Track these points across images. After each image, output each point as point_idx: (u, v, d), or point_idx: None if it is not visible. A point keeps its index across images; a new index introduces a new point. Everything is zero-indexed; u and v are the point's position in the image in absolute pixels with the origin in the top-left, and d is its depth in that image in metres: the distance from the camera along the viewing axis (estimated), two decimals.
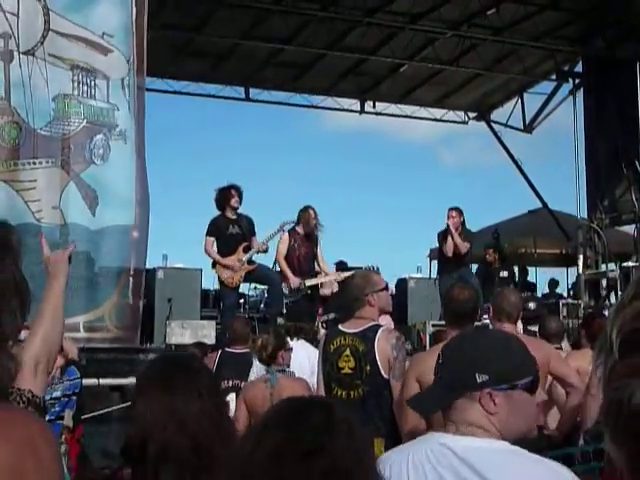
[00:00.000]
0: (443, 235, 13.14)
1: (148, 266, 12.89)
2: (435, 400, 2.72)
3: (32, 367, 3.10)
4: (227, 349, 8.03)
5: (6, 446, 1.56)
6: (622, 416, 1.00)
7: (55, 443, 1.71)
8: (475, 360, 2.61)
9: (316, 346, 7.02)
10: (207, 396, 2.83)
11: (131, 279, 10.89)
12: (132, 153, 10.82)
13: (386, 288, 5.91)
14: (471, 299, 5.39)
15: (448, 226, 12.94)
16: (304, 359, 7.14)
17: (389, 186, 35.92)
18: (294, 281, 11.55)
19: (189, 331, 11.74)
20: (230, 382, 7.57)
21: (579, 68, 19.05)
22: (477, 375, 2.57)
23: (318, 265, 12.08)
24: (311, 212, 11.97)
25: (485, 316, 8.84)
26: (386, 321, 6.26)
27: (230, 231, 11.73)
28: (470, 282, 11.45)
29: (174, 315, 12.14)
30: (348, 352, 5.50)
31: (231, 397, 7.30)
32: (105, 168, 10.69)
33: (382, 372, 5.38)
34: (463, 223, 13.14)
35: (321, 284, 12.15)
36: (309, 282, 11.66)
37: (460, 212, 13.14)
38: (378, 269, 6.05)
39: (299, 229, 11.97)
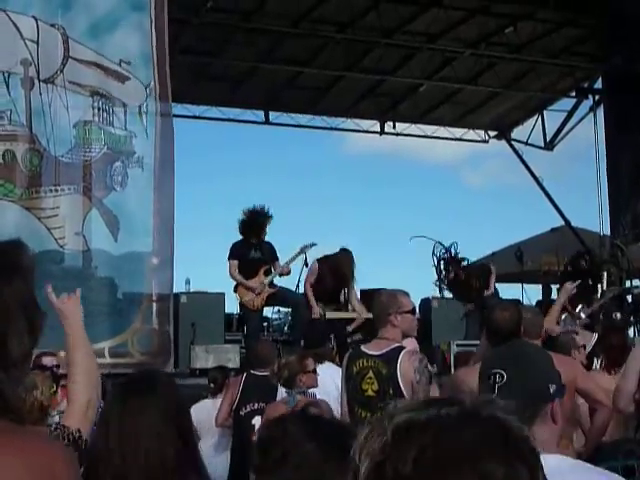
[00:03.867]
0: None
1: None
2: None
3: (84, 405, 3.09)
4: (252, 372, 7.99)
5: (26, 473, 1.55)
6: None
7: (76, 469, 1.70)
8: (543, 371, 2.57)
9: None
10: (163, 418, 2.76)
11: (154, 305, 10.88)
12: (150, 180, 10.83)
13: (413, 311, 5.76)
14: (512, 319, 5.41)
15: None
16: (330, 381, 7.07)
17: (412, 206, 35.81)
18: (315, 311, 11.51)
19: (213, 355, 11.73)
20: (255, 405, 7.54)
21: (599, 84, 18.99)
22: (550, 386, 2.53)
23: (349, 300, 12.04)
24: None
25: None
26: (412, 345, 6.17)
27: (252, 255, 11.76)
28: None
29: (198, 339, 12.12)
30: (371, 374, 5.46)
31: (256, 420, 7.29)
32: (124, 195, 10.72)
33: (405, 395, 5.33)
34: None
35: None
36: (330, 315, 11.60)
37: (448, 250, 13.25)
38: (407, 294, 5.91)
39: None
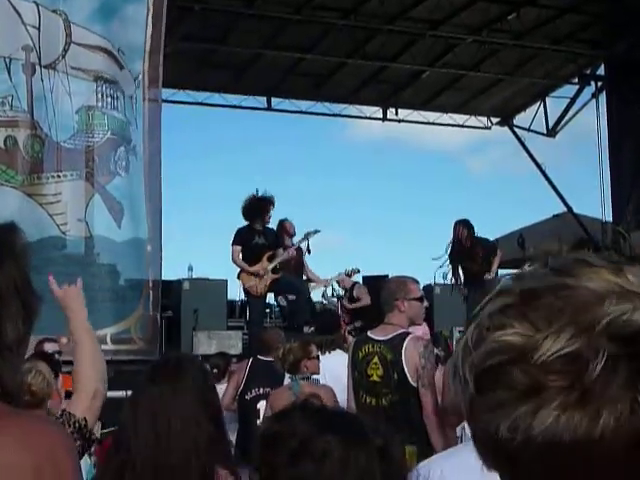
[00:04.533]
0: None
1: (174, 277, 12.95)
2: None
3: (90, 394, 3.08)
4: (259, 357, 8.00)
5: (27, 454, 1.55)
6: (491, 448, 1.02)
7: (75, 454, 1.69)
8: None
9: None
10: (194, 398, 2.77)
11: (150, 292, 10.91)
12: (141, 168, 10.84)
13: (420, 299, 5.75)
14: None
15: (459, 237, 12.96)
16: (342, 369, 7.07)
17: (414, 193, 35.83)
18: (255, 272, 11.63)
19: (215, 341, 11.75)
20: (261, 390, 7.56)
21: (601, 71, 18.95)
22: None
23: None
24: (287, 223, 12.27)
25: None
26: (422, 331, 6.16)
27: (256, 241, 11.75)
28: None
29: (200, 326, 12.14)
30: (376, 360, 5.46)
31: (261, 404, 7.32)
32: (127, 180, 10.72)
33: (410, 380, 5.34)
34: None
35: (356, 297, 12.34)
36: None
37: (469, 225, 13.12)
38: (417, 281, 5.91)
39: None
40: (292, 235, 12.35)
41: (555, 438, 0.95)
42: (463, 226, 13.04)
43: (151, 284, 10.94)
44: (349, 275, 12.19)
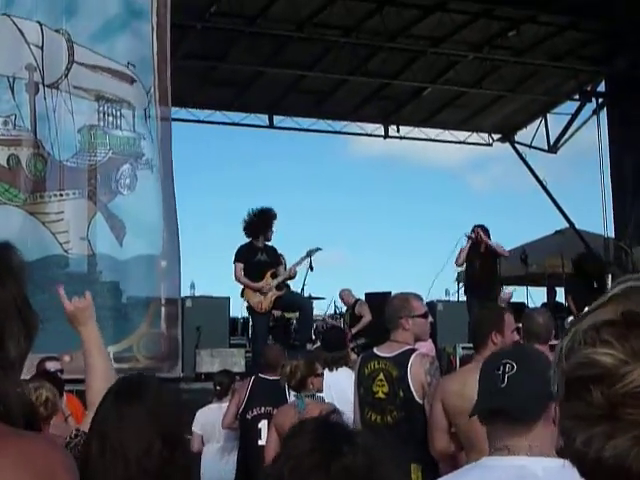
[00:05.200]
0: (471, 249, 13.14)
1: None
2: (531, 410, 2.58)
3: None
4: (260, 375, 7.97)
5: (26, 475, 1.55)
6: (570, 455, 1.07)
7: (75, 473, 1.69)
8: (547, 369, 2.57)
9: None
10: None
11: (163, 309, 10.89)
12: (159, 182, 10.85)
13: (425, 316, 5.75)
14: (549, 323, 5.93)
15: (476, 238, 12.96)
16: (348, 386, 7.04)
17: (416, 209, 35.85)
18: (259, 289, 11.60)
19: (218, 360, 11.73)
20: (262, 409, 7.53)
21: (602, 87, 18.98)
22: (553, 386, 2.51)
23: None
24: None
25: None
26: (426, 347, 6.16)
27: (258, 258, 11.72)
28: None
29: (203, 344, 12.12)
30: (382, 376, 5.45)
31: (263, 424, 7.29)
32: (132, 198, 10.73)
33: (416, 397, 5.32)
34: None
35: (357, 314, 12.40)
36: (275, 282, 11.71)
37: (487, 230, 13.19)
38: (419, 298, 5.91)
39: None
40: None
41: (625, 465, 0.98)
42: (481, 230, 13.08)
43: (164, 301, 10.92)
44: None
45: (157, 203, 10.80)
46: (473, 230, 13.21)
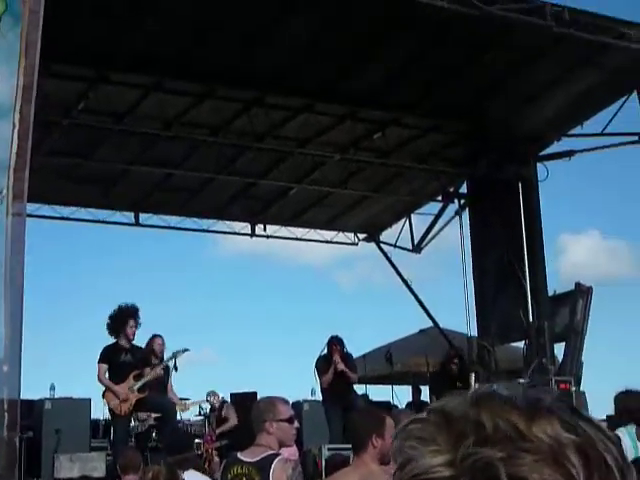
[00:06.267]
0: (325, 364, 13.51)
1: (36, 397, 12.56)
2: None
3: None
4: None
5: None
6: None
7: None
8: None
9: (205, 473, 6.85)
10: None
11: (6, 414, 10.50)
12: (0, 287, 10.54)
13: (290, 420, 5.69)
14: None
15: (334, 360, 13.36)
16: None
17: (284, 308, 35.89)
18: (120, 392, 11.48)
19: (78, 464, 11.39)
20: None
21: (464, 189, 19.47)
22: None
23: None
24: (158, 339, 12.24)
25: None
26: (288, 452, 6.09)
27: (122, 359, 11.60)
28: (359, 406, 11.73)
29: (62, 447, 11.76)
30: None
31: None
32: None
33: None
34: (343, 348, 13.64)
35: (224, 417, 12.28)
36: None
37: (342, 342, 13.61)
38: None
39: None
40: (159, 354, 12.24)
41: None
42: (336, 343, 13.36)
43: (6, 405, 10.53)
44: (174, 356, 12.02)
45: None
46: (329, 344, 13.54)
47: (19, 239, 10.78)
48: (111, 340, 11.86)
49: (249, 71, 14.76)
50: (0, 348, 10.44)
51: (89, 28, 12.91)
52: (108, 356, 11.61)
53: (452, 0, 12.36)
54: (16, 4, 9.56)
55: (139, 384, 11.50)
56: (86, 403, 12.69)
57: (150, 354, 12.16)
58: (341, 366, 13.43)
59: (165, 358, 12.14)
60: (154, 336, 12.41)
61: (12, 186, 10.53)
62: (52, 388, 13.36)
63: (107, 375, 11.56)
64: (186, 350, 12.16)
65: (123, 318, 11.72)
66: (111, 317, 11.75)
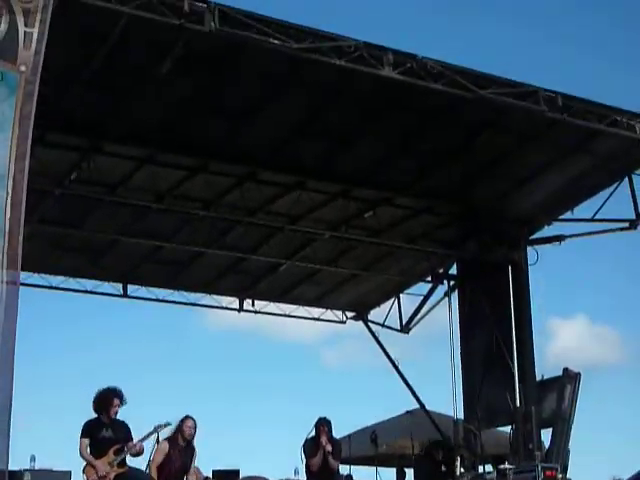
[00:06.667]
0: (313, 447, 13.45)
1: (14, 468, 12.35)
2: None
3: None
4: None
5: None
6: None
7: None
8: None
9: None
10: None
11: None
12: None
13: None
14: None
15: (322, 443, 13.32)
16: None
17: (270, 385, 35.60)
18: (99, 467, 11.36)
19: None
20: None
21: (454, 270, 19.46)
22: None
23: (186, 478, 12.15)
24: (189, 422, 12.15)
25: None
26: None
27: (103, 434, 11.61)
28: None
29: None
30: None
31: None
32: None
33: None
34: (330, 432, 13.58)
35: None
36: None
37: (330, 424, 13.57)
38: None
39: (180, 439, 12.17)
40: (188, 437, 12.30)
41: None
42: (324, 425, 13.53)
43: None
44: (157, 430, 11.92)
45: None
46: (317, 425, 13.53)
47: (12, 307, 10.70)
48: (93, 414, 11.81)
49: (243, 147, 14.80)
50: None
51: (83, 99, 12.96)
52: (90, 431, 11.62)
53: (447, 83, 12.46)
54: (11, 75, 9.62)
55: (119, 458, 11.46)
56: (67, 475, 12.48)
57: (178, 434, 12.18)
58: (329, 448, 13.34)
59: (146, 432, 12.03)
60: (186, 417, 12.37)
61: (6, 251, 10.50)
62: (32, 459, 13.15)
63: (89, 450, 11.52)
64: (168, 424, 12.08)
65: (107, 397, 11.74)
66: (96, 395, 11.76)
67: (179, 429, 12.23)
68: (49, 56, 9.15)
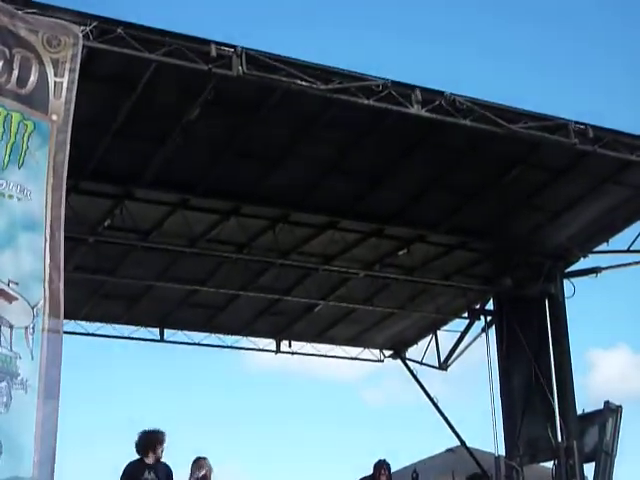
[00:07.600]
0: None
1: None
2: None
3: None
4: None
5: None
6: None
7: None
8: None
9: None
10: None
11: None
12: (34, 403, 10.45)
13: None
14: None
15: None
16: None
17: (309, 425, 35.51)
18: None
19: None
20: None
21: (490, 305, 19.35)
22: None
23: None
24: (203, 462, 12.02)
25: None
26: None
27: (145, 477, 11.44)
28: None
29: None
30: None
31: None
32: (7, 417, 10.30)
33: None
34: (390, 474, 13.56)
35: None
36: None
37: (389, 467, 13.51)
38: None
39: None
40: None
41: None
42: (385, 468, 13.45)
43: None
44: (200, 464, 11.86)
45: (29, 424, 10.36)
46: (377, 467, 13.43)
47: (56, 355, 10.73)
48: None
49: (274, 188, 14.84)
50: (28, 466, 10.30)
51: (114, 146, 13.06)
52: (130, 473, 11.48)
53: (476, 119, 12.45)
54: (44, 124, 9.74)
55: None
56: None
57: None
58: None
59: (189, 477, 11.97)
60: (198, 459, 12.30)
61: (48, 298, 10.56)
62: None
63: None
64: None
65: (152, 439, 11.61)
66: (139, 437, 11.64)
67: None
68: (79, 104, 9.24)
